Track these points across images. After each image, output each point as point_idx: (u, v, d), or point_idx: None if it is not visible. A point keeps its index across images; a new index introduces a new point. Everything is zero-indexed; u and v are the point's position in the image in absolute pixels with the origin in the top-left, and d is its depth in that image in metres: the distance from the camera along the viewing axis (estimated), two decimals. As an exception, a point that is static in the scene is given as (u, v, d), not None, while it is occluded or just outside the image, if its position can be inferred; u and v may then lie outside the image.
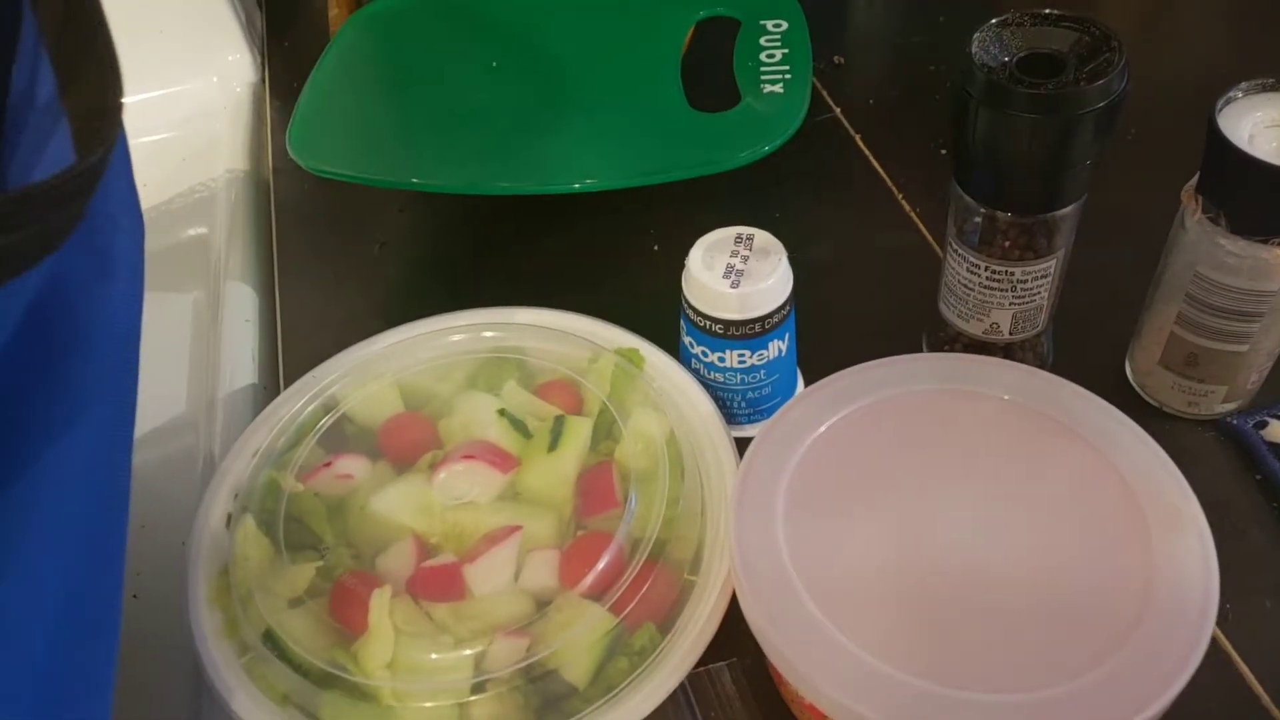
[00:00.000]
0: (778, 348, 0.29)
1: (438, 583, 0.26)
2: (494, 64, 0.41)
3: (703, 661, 0.25)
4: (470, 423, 0.29)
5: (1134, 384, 0.32)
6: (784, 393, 0.31)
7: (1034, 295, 0.29)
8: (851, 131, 0.42)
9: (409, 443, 0.29)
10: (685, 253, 0.29)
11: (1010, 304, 0.29)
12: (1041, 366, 0.31)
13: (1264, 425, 0.30)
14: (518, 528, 0.26)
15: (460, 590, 0.26)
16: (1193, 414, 0.31)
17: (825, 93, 0.44)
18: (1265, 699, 0.25)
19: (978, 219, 0.28)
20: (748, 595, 0.22)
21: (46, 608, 0.17)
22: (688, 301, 0.29)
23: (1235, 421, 0.30)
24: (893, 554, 0.23)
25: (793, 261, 0.29)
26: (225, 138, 0.46)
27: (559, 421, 0.28)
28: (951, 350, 0.32)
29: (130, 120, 0.17)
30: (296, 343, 0.36)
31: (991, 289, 0.29)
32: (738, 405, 0.31)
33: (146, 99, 0.47)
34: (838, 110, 0.43)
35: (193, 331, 0.37)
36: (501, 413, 0.29)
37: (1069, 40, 0.25)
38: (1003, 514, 0.23)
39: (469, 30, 0.43)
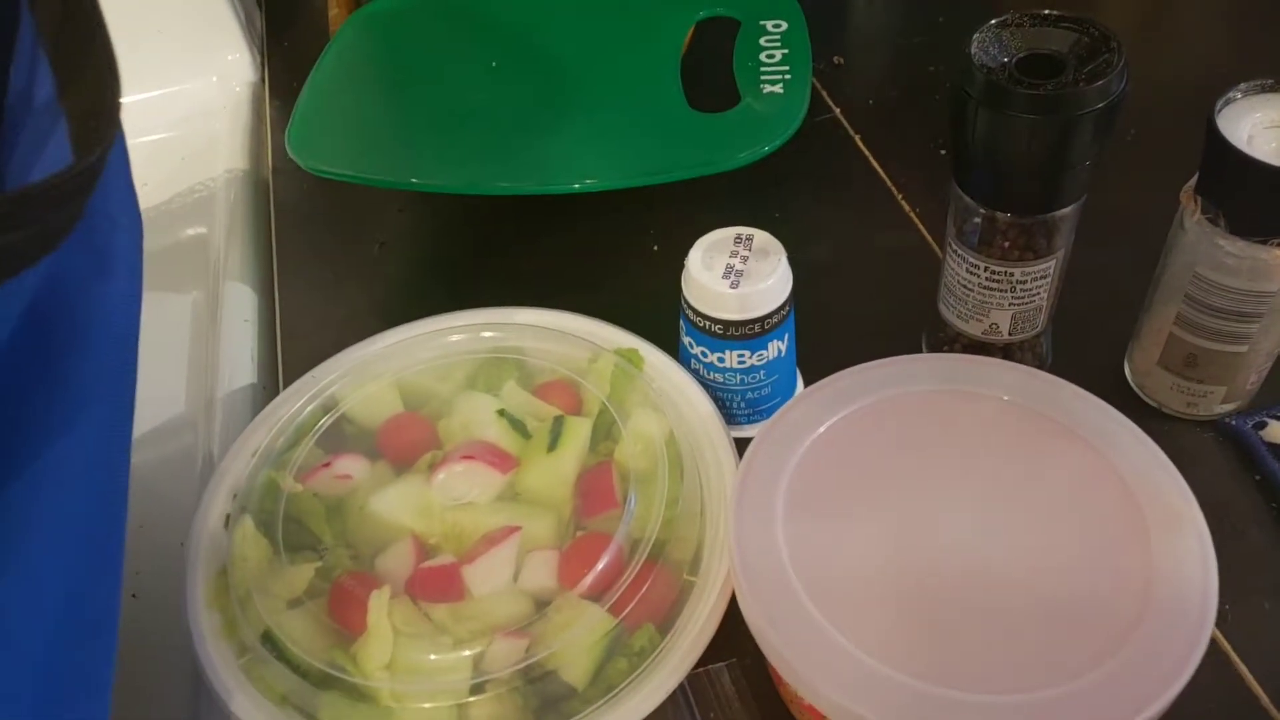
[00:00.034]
0: (777, 348, 0.29)
1: (437, 583, 0.26)
2: (493, 64, 0.41)
3: (702, 662, 0.25)
4: (470, 423, 0.29)
5: (1133, 385, 0.32)
6: (783, 393, 0.31)
7: (1033, 296, 0.29)
8: (851, 132, 0.42)
9: (408, 443, 0.29)
10: (685, 253, 0.29)
11: (1009, 304, 0.29)
12: (1041, 367, 0.31)
13: (1263, 426, 0.30)
14: (517, 528, 0.26)
15: (459, 591, 0.26)
16: (1192, 415, 0.31)
17: (825, 93, 0.44)
18: (1264, 699, 0.25)
19: (977, 219, 0.28)
20: (747, 596, 0.22)
21: (45, 607, 0.17)
22: (687, 302, 0.29)
23: (1234, 422, 0.30)
24: (892, 555, 0.23)
25: (792, 262, 0.29)
26: (225, 137, 0.46)
27: (558, 422, 0.28)
28: (951, 351, 0.32)
29: (129, 120, 0.17)
30: (296, 343, 0.36)
31: (991, 289, 0.29)
32: (737, 406, 0.31)
33: (146, 98, 0.47)
34: (837, 110, 0.43)
35: (192, 331, 0.37)
36: (501, 413, 0.29)
37: (1068, 41, 0.25)
38: (1002, 515, 0.23)
39: (469, 30, 0.43)
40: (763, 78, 0.38)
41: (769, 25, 0.40)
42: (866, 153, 0.41)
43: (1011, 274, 0.28)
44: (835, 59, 0.46)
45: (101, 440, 0.19)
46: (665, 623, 0.25)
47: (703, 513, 0.27)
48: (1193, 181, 0.27)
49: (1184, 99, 0.32)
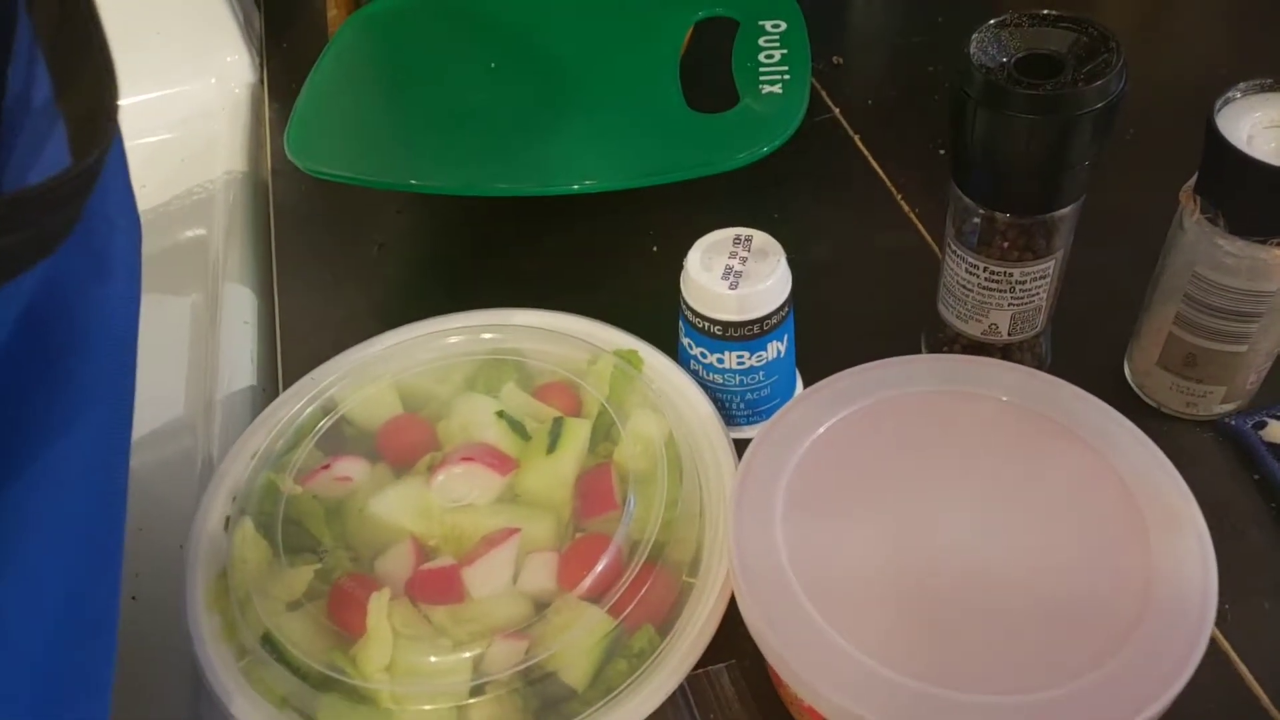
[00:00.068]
0: (776, 349, 0.29)
1: (436, 585, 0.26)
2: (492, 65, 0.41)
3: (702, 663, 0.25)
4: (469, 424, 0.29)
5: (1132, 385, 0.32)
6: (783, 394, 0.31)
7: (1032, 296, 0.29)
8: (850, 132, 0.42)
9: (407, 445, 0.29)
10: (684, 253, 0.29)
11: (1009, 305, 0.29)
12: (1040, 367, 0.31)
13: (1263, 426, 0.30)
14: (516, 530, 0.26)
15: (459, 593, 0.26)
16: (1191, 414, 0.31)
17: (824, 93, 0.44)
18: (1264, 699, 0.25)
19: (976, 220, 0.28)
20: (746, 597, 0.22)
21: (45, 608, 0.17)
22: (686, 303, 0.29)
23: (1234, 422, 0.30)
24: (892, 555, 0.23)
25: (791, 262, 0.29)
26: (224, 139, 0.46)
27: (557, 423, 0.28)
28: (950, 351, 0.32)
29: (128, 121, 0.17)
30: (295, 344, 0.36)
31: (990, 290, 0.29)
32: (736, 407, 0.31)
33: (144, 100, 0.47)
34: (836, 111, 0.43)
35: (191, 333, 0.37)
36: (500, 415, 0.29)
37: (1067, 41, 0.25)
38: (1002, 515, 0.23)
39: (467, 31, 0.43)
40: (762, 78, 0.38)
41: (768, 25, 0.40)
42: (866, 153, 0.41)
43: (1011, 274, 0.28)
44: (834, 59, 0.46)
45: (100, 442, 0.19)
46: (665, 624, 0.25)
47: (702, 514, 0.27)
48: (1192, 181, 0.27)
49: (1183, 99, 0.32)
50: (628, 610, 0.25)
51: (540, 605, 0.25)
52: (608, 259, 0.38)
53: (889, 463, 0.25)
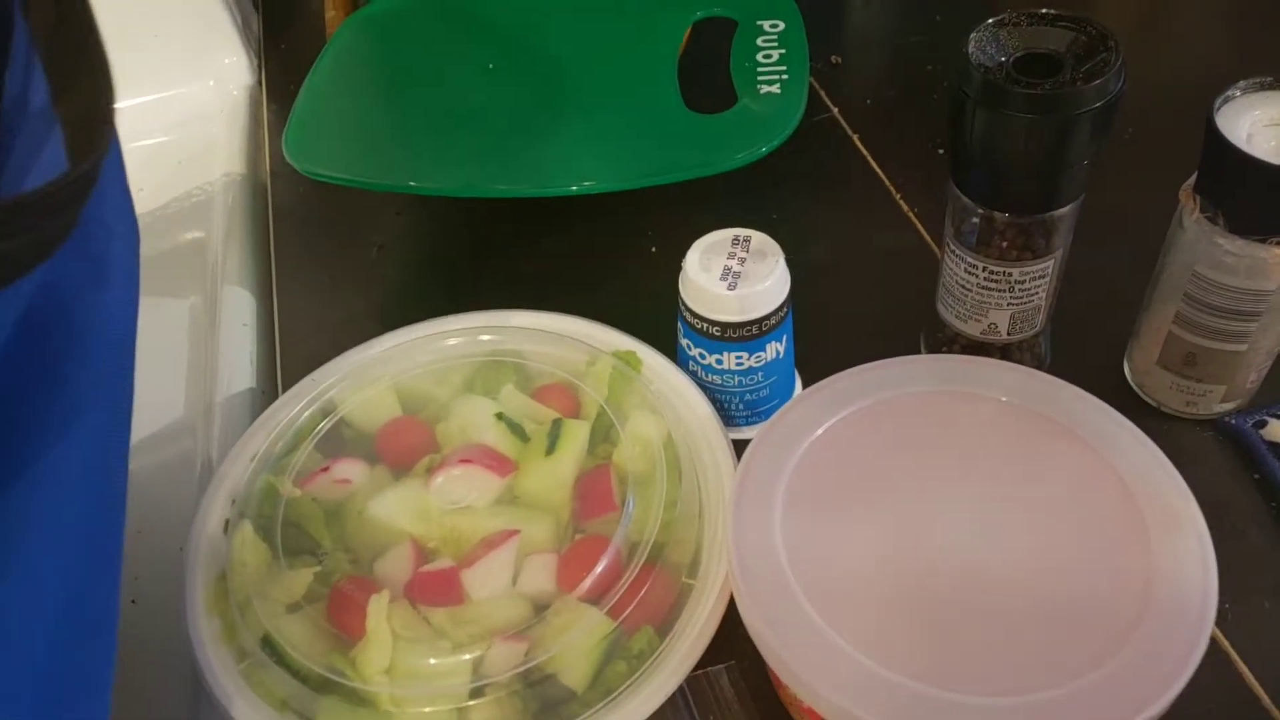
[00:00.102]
0: (775, 349, 0.29)
1: (436, 587, 0.26)
2: (490, 66, 0.41)
3: (701, 664, 0.25)
4: (468, 426, 0.29)
5: (1132, 384, 0.32)
6: (782, 395, 0.31)
7: (1032, 296, 0.29)
8: (849, 131, 0.42)
9: (406, 447, 0.29)
10: (683, 254, 0.29)
11: (1008, 304, 0.29)
12: (1039, 367, 0.31)
13: (1263, 425, 0.30)
14: (515, 532, 0.26)
15: (458, 595, 0.26)
16: (1191, 414, 0.31)
17: (823, 93, 0.44)
18: (1265, 699, 0.25)
19: (975, 219, 0.28)
20: (745, 598, 0.22)
21: (45, 610, 0.17)
22: (685, 304, 0.29)
23: (1234, 421, 0.30)
24: (891, 556, 0.23)
25: (790, 262, 0.29)
26: (222, 141, 0.46)
27: (556, 425, 0.28)
28: (949, 351, 0.32)
29: (126, 124, 0.17)
30: (294, 346, 0.36)
31: (989, 289, 0.29)
32: (735, 407, 0.31)
33: (142, 103, 0.47)
34: (835, 110, 0.43)
35: (190, 336, 0.37)
36: (499, 416, 0.29)
37: (1066, 40, 0.25)
38: (1001, 515, 0.23)
39: (466, 32, 0.43)
40: (760, 78, 0.38)
41: (766, 25, 0.40)
42: (864, 152, 0.41)
43: (1010, 274, 0.28)
44: (833, 58, 0.46)
45: (99, 445, 0.19)
46: (664, 625, 0.25)
47: (701, 515, 0.27)
48: (1191, 180, 0.27)
49: (1182, 97, 0.32)
50: (627, 612, 0.25)
51: (540, 607, 0.25)
52: (606, 260, 0.38)
53: (888, 463, 0.25)
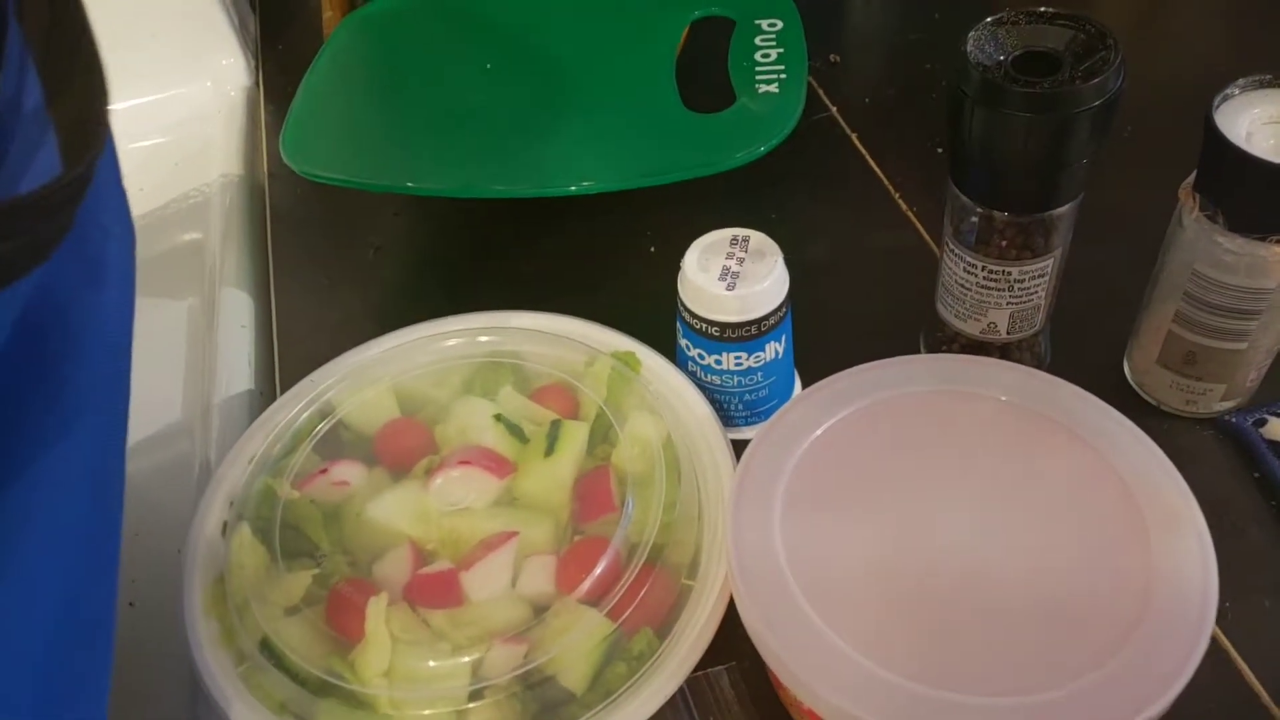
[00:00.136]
0: (775, 350, 0.29)
1: (434, 589, 0.26)
2: (488, 66, 0.41)
3: (701, 666, 0.25)
4: (466, 428, 0.29)
5: (1132, 383, 0.32)
6: (781, 395, 0.31)
7: (1031, 295, 0.29)
8: (848, 131, 0.42)
9: (405, 448, 0.29)
10: (682, 254, 0.29)
11: (1007, 304, 0.29)
12: (1039, 366, 0.31)
13: (1263, 423, 0.30)
14: (514, 533, 0.26)
15: (457, 597, 0.25)
16: (1191, 412, 0.31)
17: (821, 92, 0.44)
18: (1265, 698, 0.25)
19: (974, 218, 0.28)
20: (745, 599, 0.22)
21: (42, 612, 0.17)
22: (684, 304, 0.29)
23: (1234, 420, 0.30)
24: (891, 556, 0.23)
25: (789, 262, 0.29)
26: (219, 142, 0.46)
27: (555, 426, 0.28)
28: (949, 350, 0.32)
29: (123, 125, 0.17)
30: (292, 348, 0.36)
31: (989, 289, 0.29)
32: (735, 408, 0.31)
33: (139, 104, 0.47)
34: (834, 109, 0.43)
35: (188, 337, 0.37)
36: (498, 418, 0.29)
37: (1064, 38, 0.25)
38: (1001, 515, 0.23)
39: (463, 32, 0.43)
40: (758, 77, 0.37)
41: (764, 24, 0.40)
42: (863, 152, 0.41)
43: (1009, 273, 0.28)
44: (831, 57, 0.46)
45: (96, 447, 0.19)
46: (664, 627, 0.25)
47: (700, 516, 0.27)
48: (1191, 178, 0.27)
49: (1181, 95, 0.32)
50: (627, 613, 0.25)
51: (539, 609, 0.25)
52: (605, 260, 0.38)
53: (888, 463, 0.25)
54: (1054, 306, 0.30)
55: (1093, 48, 0.25)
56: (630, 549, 0.26)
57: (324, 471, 0.28)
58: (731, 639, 0.25)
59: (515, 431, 0.29)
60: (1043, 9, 0.26)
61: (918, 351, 0.33)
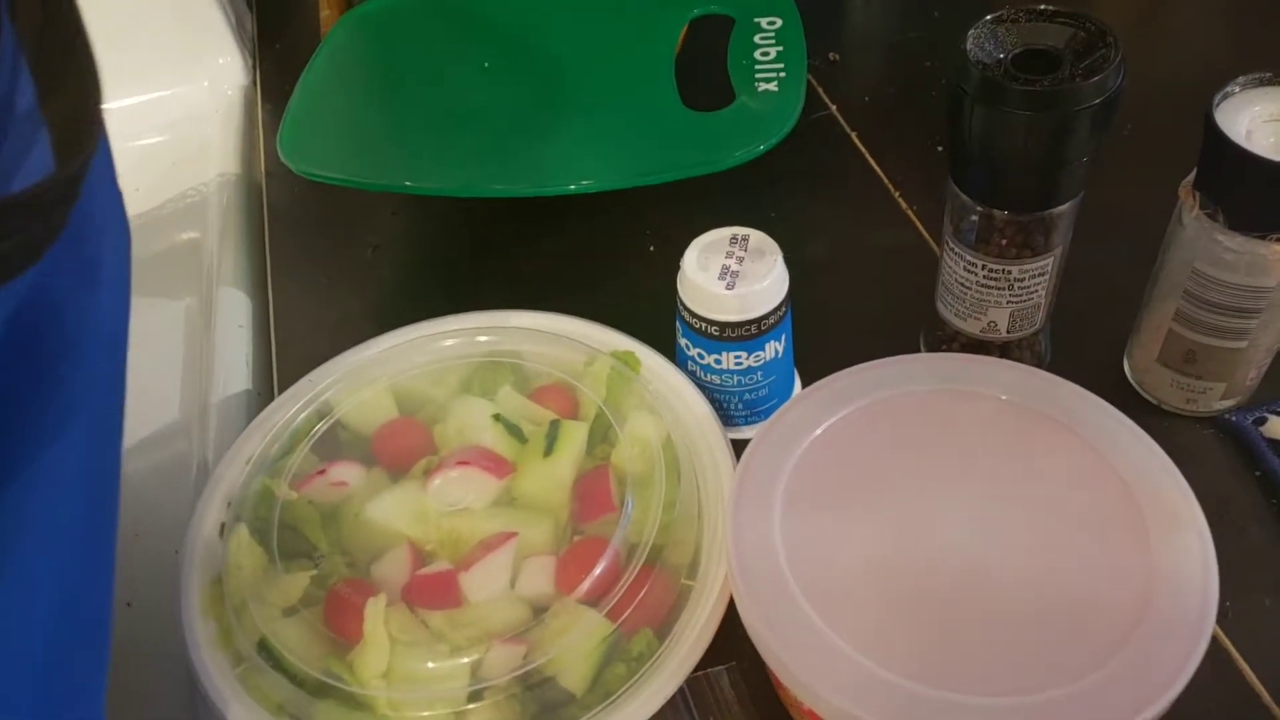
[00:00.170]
0: (774, 349, 0.29)
1: (433, 590, 0.26)
2: (486, 64, 0.41)
3: (701, 666, 0.25)
4: (465, 428, 0.29)
5: (1132, 381, 0.31)
6: (781, 394, 0.31)
7: (1031, 293, 0.29)
8: (847, 129, 0.42)
9: (403, 449, 0.29)
10: (681, 253, 0.29)
11: (1008, 302, 0.29)
12: (1039, 365, 0.31)
13: (1263, 422, 0.30)
14: (513, 534, 0.26)
15: (456, 598, 0.25)
16: (1191, 411, 0.30)
17: (821, 90, 0.44)
18: (1265, 697, 0.25)
19: (974, 217, 0.28)
20: (745, 599, 0.22)
21: (38, 613, 0.17)
22: (683, 303, 0.29)
23: (1234, 418, 0.30)
24: (891, 556, 0.23)
25: (789, 261, 0.28)
26: (216, 141, 0.45)
27: (554, 426, 0.28)
28: (949, 349, 0.32)
29: (120, 125, 0.17)
30: (290, 348, 0.36)
31: (989, 287, 0.29)
32: (735, 407, 0.31)
33: (136, 103, 0.47)
34: (833, 108, 0.43)
35: (185, 337, 0.37)
36: (496, 418, 0.29)
37: (1064, 36, 0.25)
38: (1001, 515, 0.23)
39: (462, 31, 0.43)
40: (758, 75, 0.37)
41: (763, 22, 0.40)
42: (863, 150, 0.41)
43: (1009, 271, 0.28)
44: (830, 56, 0.46)
45: (92, 447, 0.19)
46: (663, 627, 0.25)
47: (700, 516, 0.27)
48: (1191, 177, 0.27)
49: (1182, 93, 0.32)
50: (626, 613, 0.25)
51: (538, 609, 0.25)
52: (604, 260, 0.38)
53: (888, 462, 0.25)
54: (1054, 305, 0.30)
55: (1093, 45, 0.25)
56: (630, 549, 0.26)
57: (322, 472, 0.28)
58: (731, 639, 0.25)
59: (514, 431, 0.29)
60: (1043, 7, 0.26)
61: (918, 350, 0.33)
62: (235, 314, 0.38)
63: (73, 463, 0.18)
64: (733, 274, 0.28)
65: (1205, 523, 0.22)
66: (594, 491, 0.27)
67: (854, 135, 0.42)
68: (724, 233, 0.29)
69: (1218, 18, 0.46)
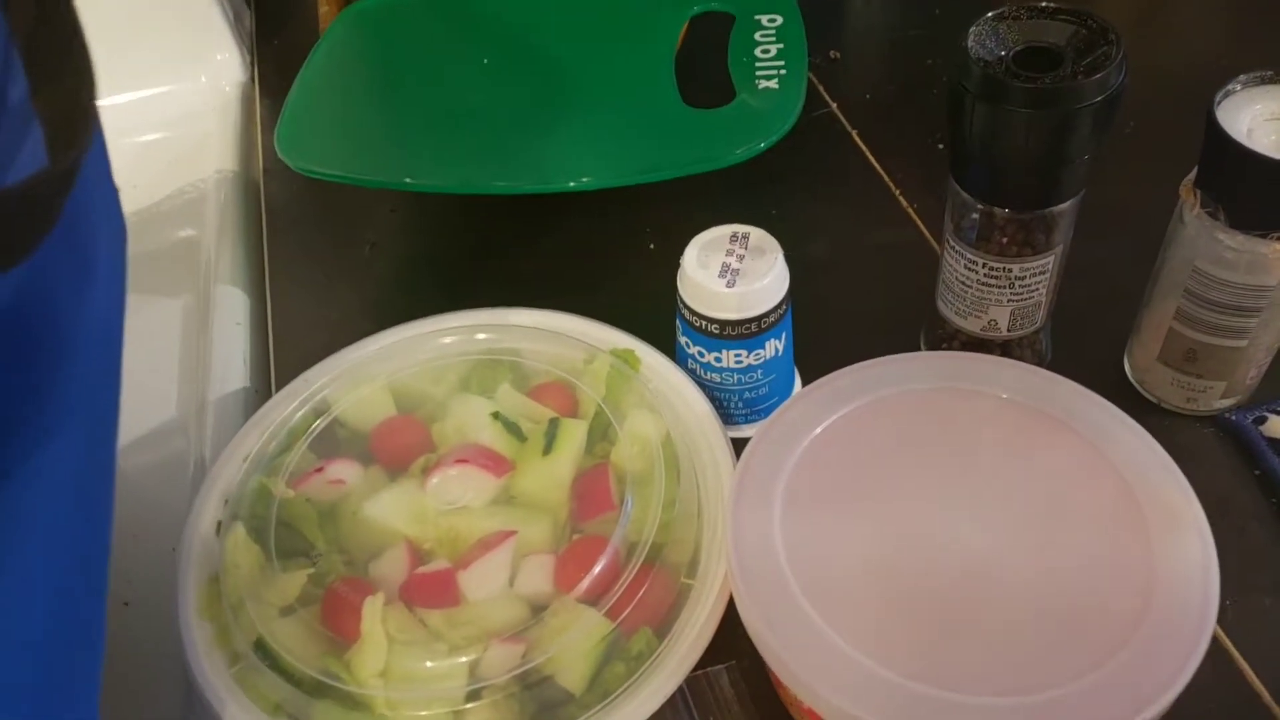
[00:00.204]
0: (774, 347, 0.29)
1: (431, 589, 0.25)
2: (485, 61, 0.40)
3: (701, 665, 0.25)
4: (464, 426, 0.29)
5: (1132, 380, 0.31)
6: (781, 392, 0.31)
7: (1032, 292, 0.29)
8: (848, 127, 0.42)
9: (402, 447, 0.29)
10: (682, 251, 0.29)
11: (1008, 301, 0.29)
12: (1040, 363, 0.31)
13: (1263, 421, 0.30)
14: (512, 532, 0.26)
15: (454, 596, 0.25)
16: (1191, 410, 0.30)
17: (821, 88, 0.44)
18: (1266, 696, 0.25)
19: (975, 215, 0.28)
20: (744, 598, 0.22)
21: (31, 611, 0.17)
22: (683, 301, 0.29)
23: (1234, 417, 0.30)
24: (891, 555, 0.23)
25: (789, 259, 0.28)
26: (214, 138, 0.45)
27: (554, 424, 0.28)
28: (949, 347, 0.32)
29: (118, 121, 0.17)
30: (287, 345, 0.36)
31: (989, 286, 0.29)
32: (735, 406, 0.31)
33: (134, 99, 0.47)
34: (834, 106, 0.43)
35: (183, 335, 0.37)
36: (495, 416, 0.29)
37: (1066, 33, 0.25)
38: (1001, 514, 0.23)
39: (460, 27, 0.42)
40: (758, 73, 0.37)
41: (764, 20, 0.40)
42: (863, 148, 0.41)
43: (1010, 270, 0.28)
44: (831, 53, 0.45)
45: (87, 444, 0.19)
46: (663, 626, 0.25)
47: (700, 514, 0.27)
48: (1192, 175, 0.27)
49: (1183, 91, 0.31)
50: (625, 612, 0.24)
51: (537, 608, 0.25)
52: (604, 257, 0.38)
53: (888, 461, 0.24)
54: (1055, 304, 0.30)
55: (1094, 43, 0.25)
56: (629, 548, 0.25)
57: (320, 470, 0.28)
58: (731, 638, 0.24)
59: (513, 429, 0.29)
60: (1044, 4, 0.25)
61: (918, 349, 0.33)
62: (233, 311, 0.38)
63: (66, 459, 0.18)
64: (733, 272, 0.28)
65: (1206, 522, 0.22)
66: (593, 490, 0.27)
67: (854, 133, 0.42)
68: (724, 230, 0.29)
69: (1219, 16, 0.46)
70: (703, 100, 0.37)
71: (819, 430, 0.25)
